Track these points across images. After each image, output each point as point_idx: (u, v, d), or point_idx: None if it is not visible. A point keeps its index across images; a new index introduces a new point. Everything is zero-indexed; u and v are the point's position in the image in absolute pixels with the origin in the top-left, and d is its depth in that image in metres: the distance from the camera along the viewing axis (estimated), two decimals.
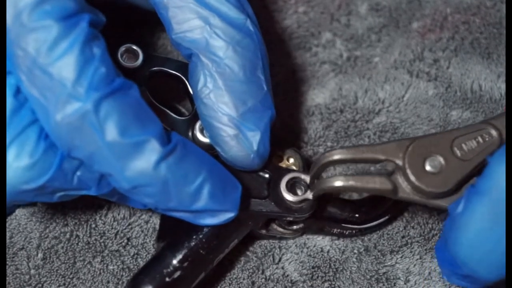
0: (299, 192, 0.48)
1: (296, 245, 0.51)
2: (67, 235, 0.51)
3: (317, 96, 0.56)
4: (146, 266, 0.46)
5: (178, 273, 0.46)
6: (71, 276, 0.50)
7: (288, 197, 0.47)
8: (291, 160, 0.49)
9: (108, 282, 0.50)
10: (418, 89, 0.56)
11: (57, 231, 0.51)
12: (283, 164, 0.49)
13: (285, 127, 0.54)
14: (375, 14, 0.59)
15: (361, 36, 0.58)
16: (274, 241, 0.51)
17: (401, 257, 0.51)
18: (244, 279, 0.50)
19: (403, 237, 0.51)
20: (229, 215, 0.44)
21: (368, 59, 0.57)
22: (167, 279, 0.45)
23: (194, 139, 0.48)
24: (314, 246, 0.51)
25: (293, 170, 0.48)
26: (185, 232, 0.46)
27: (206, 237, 0.46)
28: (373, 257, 0.51)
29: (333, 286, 0.50)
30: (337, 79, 0.56)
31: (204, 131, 0.47)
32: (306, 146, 0.54)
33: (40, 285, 0.49)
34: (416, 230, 0.52)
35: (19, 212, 0.51)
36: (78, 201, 0.51)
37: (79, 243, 0.51)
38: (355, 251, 0.51)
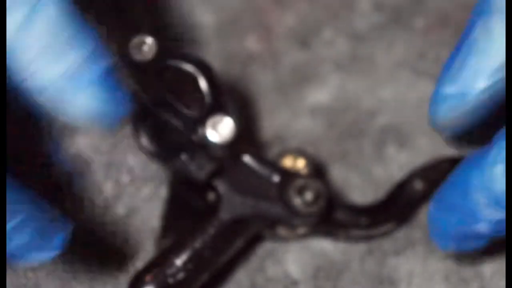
0: (308, 197, 0.47)
1: (298, 246, 0.51)
2: None
3: (319, 95, 0.55)
4: (148, 266, 0.46)
5: (181, 275, 0.45)
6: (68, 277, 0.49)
7: (298, 201, 0.47)
8: (300, 163, 0.49)
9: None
10: (422, 87, 0.56)
11: None
12: (292, 167, 0.49)
13: (285, 127, 0.54)
14: (377, 11, 0.59)
15: (364, 34, 0.58)
16: (275, 242, 0.51)
17: (405, 258, 0.51)
18: (244, 279, 0.50)
19: (406, 238, 0.51)
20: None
21: (370, 57, 0.57)
22: (170, 280, 0.45)
23: (203, 137, 0.45)
24: (317, 246, 0.51)
25: (303, 176, 0.48)
26: (190, 232, 0.46)
27: (212, 238, 0.46)
28: (376, 258, 0.51)
29: (335, 286, 0.50)
30: (338, 78, 0.56)
31: (218, 128, 0.45)
32: (307, 146, 0.53)
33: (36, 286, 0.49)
34: (420, 231, 0.51)
35: None
36: None
37: None
38: (358, 252, 0.51)
